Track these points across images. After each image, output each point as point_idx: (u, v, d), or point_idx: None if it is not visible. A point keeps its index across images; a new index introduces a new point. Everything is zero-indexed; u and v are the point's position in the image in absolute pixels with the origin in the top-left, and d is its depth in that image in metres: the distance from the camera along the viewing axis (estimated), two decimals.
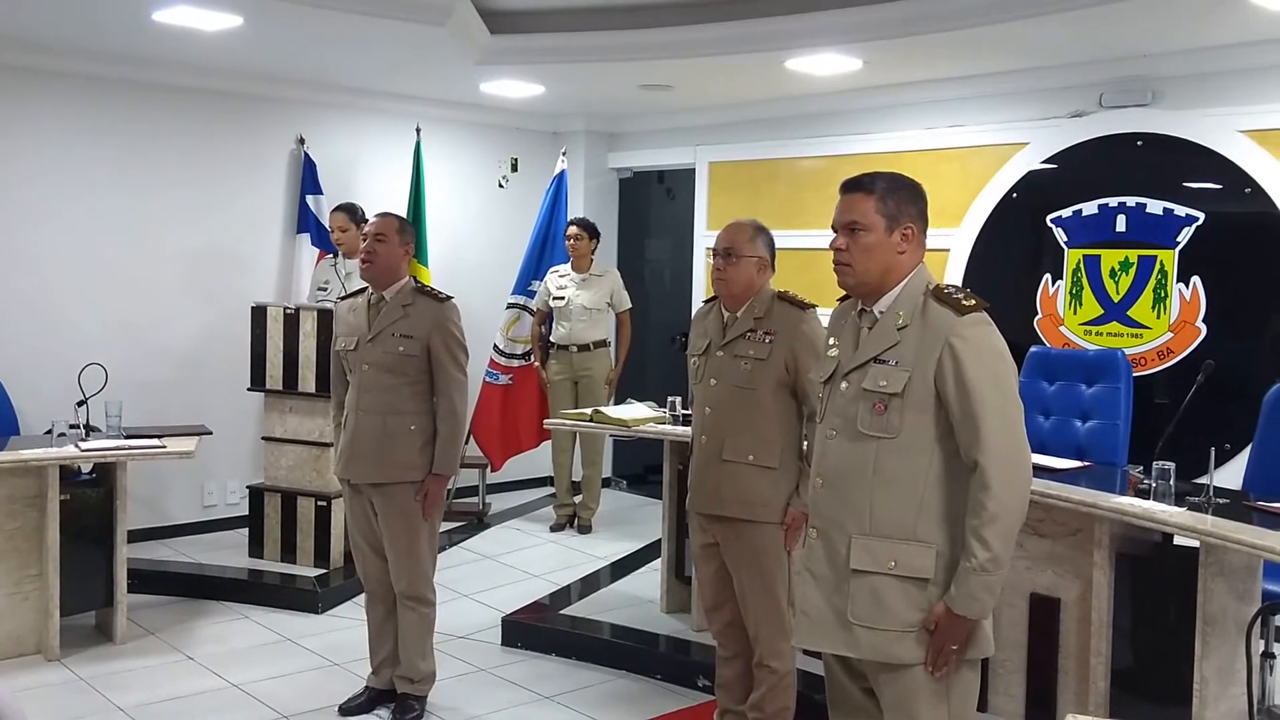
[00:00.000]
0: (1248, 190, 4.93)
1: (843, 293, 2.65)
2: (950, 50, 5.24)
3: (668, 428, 4.88)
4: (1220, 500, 3.34)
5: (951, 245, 5.85)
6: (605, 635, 4.82)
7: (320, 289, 6.17)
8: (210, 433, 5.24)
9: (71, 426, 4.77)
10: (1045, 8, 4.53)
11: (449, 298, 4.02)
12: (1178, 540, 3.41)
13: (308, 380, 5.75)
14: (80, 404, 4.86)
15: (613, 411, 5.16)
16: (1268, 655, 3.79)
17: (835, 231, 2.55)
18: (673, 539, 5.06)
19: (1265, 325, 4.92)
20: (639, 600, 5.32)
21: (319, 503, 5.76)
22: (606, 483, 7.55)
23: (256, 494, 5.96)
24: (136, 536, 5.59)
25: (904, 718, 2.46)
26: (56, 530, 4.54)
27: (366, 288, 4.04)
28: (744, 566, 3.51)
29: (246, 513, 6.07)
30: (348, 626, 5.00)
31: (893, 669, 2.45)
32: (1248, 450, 4.15)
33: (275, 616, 5.16)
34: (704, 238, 7.18)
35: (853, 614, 2.45)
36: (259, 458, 6.12)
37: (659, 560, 5.25)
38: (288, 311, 5.83)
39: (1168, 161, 5.16)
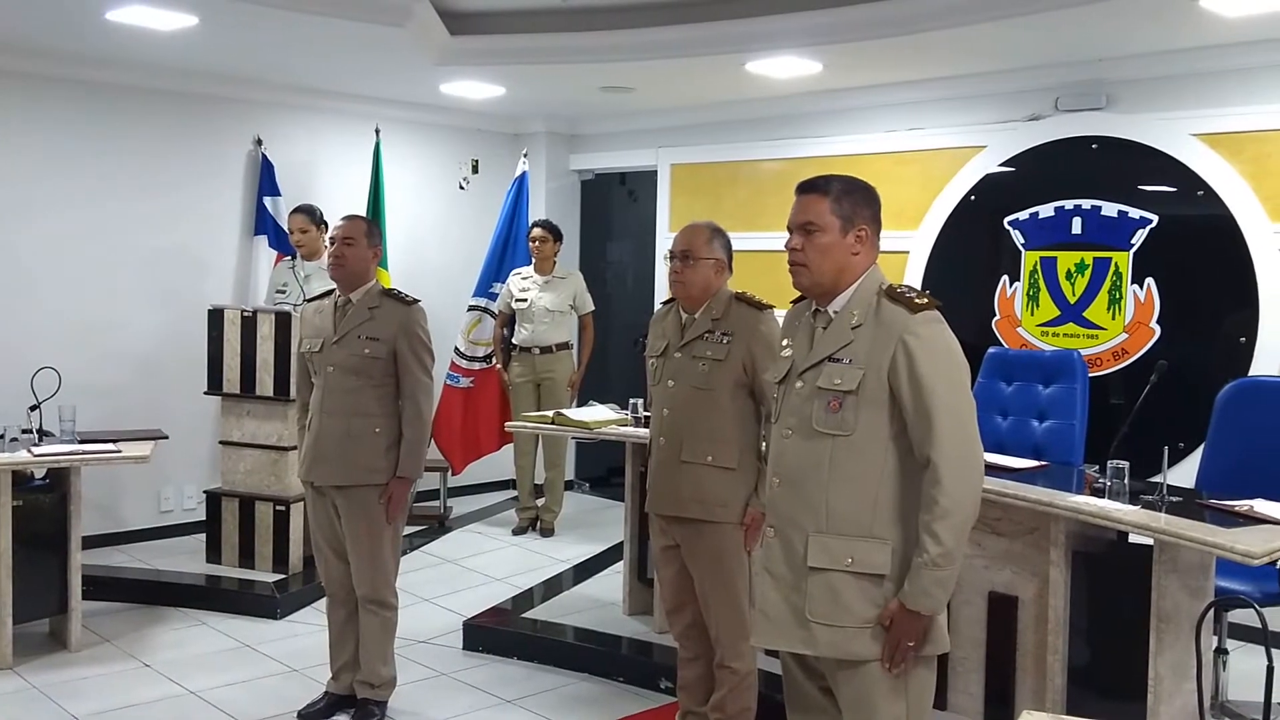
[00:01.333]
0: (1200, 193, 5.00)
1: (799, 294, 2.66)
2: (909, 54, 5.28)
3: (629, 430, 4.88)
4: (1174, 498, 3.37)
5: (911, 247, 5.90)
6: (567, 638, 4.81)
7: (279, 291, 6.11)
8: (166, 437, 5.17)
9: (24, 431, 4.70)
10: (1002, 12, 4.58)
11: (416, 301, 4.01)
12: (1132, 538, 3.45)
13: (265, 384, 5.70)
14: (33, 408, 4.79)
15: (575, 414, 5.16)
16: (1221, 651, 3.85)
17: (790, 232, 2.57)
18: (635, 541, 5.06)
19: (1218, 326, 5.00)
20: (601, 603, 5.31)
21: (277, 507, 5.71)
22: (569, 485, 7.53)
23: (214, 499, 5.90)
24: (91, 543, 5.52)
25: (862, 715, 2.47)
26: (9, 537, 4.46)
27: (334, 290, 4.02)
28: (704, 567, 3.51)
29: (204, 518, 6.00)
30: (307, 632, 4.96)
31: (850, 666, 2.46)
32: (1201, 449, 4.20)
33: (233, 622, 5.10)
34: (666, 240, 7.15)
35: (810, 612, 2.46)
36: (216, 462, 6.04)
37: (622, 563, 5.25)
38: (245, 314, 5.78)
39: (1122, 165, 5.23)
